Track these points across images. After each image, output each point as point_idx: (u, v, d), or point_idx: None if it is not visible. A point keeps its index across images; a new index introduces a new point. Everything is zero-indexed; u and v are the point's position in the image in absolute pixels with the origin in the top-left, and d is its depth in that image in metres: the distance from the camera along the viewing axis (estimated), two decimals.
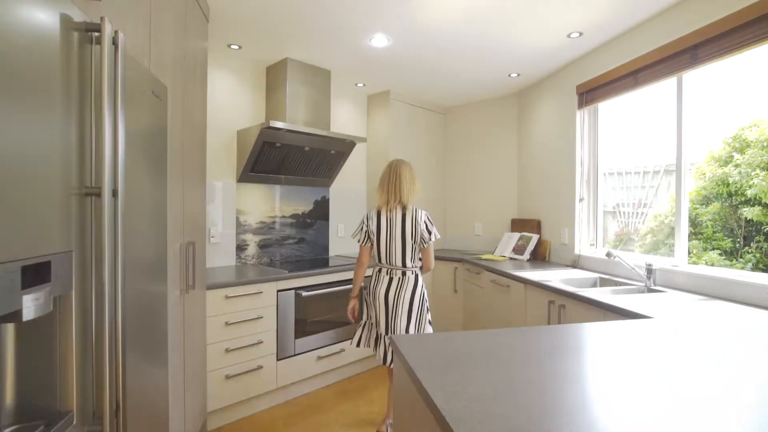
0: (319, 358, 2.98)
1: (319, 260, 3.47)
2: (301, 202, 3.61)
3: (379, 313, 2.25)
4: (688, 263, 2.32)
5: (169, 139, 1.71)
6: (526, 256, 3.47)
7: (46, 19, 0.78)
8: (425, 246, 2.28)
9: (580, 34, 2.68)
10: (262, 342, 2.64)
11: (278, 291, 2.74)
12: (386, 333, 2.24)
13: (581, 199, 3.09)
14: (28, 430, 0.79)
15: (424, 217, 2.26)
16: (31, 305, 0.74)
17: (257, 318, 2.62)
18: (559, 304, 2.26)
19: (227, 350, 2.47)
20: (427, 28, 2.62)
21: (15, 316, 0.72)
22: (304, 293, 2.86)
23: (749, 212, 2.32)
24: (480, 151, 4.28)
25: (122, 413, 0.98)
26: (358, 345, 2.38)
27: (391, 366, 2.21)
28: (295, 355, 2.84)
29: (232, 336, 2.50)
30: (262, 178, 3.27)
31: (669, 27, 2.31)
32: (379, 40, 2.82)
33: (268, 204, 3.38)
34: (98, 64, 0.94)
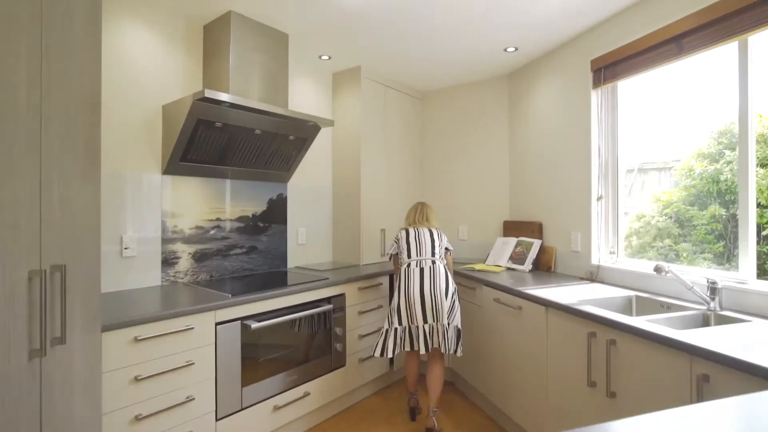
0: (276, 408, 2.25)
1: (275, 275, 2.73)
2: (251, 202, 2.85)
3: (415, 307, 2.38)
4: (757, 279, 1.81)
5: None
6: (528, 265, 2.90)
7: None
8: (447, 253, 2.65)
9: None
10: (193, 399, 1.88)
11: (217, 324, 1.99)
12: (425, 322, 2.38)
13: (599, 198, 2.55)
14: None
15: (444, 235, 2.68)
16: None
17: (186, 365, 1.85)
18: (607, 339, 1.67)
19: (138, 418, 1.70)
20: None
21: None
22: (254, 324, 2.12)
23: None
24: (464, 142, 3.68)
25: None
26: (382, 354, 2.39)
27: (434, 348, 2.42)
28: (243, 409, 2.09)
29: (146, 396, 1.73)
30: (198, 169, 2.49)
31: None
32: None
33: (206, 203, 2.60)
34: None
